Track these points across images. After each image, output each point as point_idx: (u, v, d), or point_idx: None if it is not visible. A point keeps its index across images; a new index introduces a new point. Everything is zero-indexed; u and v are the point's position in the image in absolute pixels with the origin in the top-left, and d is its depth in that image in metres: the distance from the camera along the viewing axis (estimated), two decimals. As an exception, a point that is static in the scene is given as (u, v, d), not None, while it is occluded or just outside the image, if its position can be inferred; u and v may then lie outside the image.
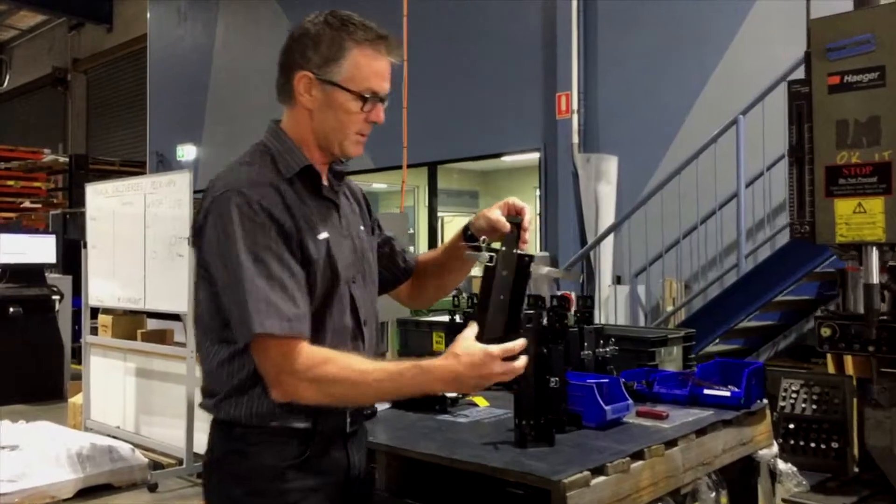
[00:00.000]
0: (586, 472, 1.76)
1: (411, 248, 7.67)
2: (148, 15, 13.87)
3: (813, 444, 2.48)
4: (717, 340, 5.24)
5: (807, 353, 5.39)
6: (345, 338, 1.64)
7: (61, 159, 14.25)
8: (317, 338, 1.56)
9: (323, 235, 1.60)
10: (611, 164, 7.14)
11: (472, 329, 1.53)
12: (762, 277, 5.02)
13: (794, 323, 5.75)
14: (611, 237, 6.82)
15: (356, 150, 1.64)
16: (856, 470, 2.51)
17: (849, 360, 2.90)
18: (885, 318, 2.48)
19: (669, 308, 6.33)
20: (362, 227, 1.78)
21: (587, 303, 2.63)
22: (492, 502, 1.92)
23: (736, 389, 2.41)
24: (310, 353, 1.50)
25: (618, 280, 6.99)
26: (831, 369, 4.57)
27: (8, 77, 20.03)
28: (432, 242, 9.80)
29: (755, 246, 5.77)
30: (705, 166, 5.80)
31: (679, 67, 6.86)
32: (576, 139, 7.32)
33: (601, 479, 1.79)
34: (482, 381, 1.49)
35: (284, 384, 1.50)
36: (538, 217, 7.81)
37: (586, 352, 2.65)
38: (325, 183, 1.68)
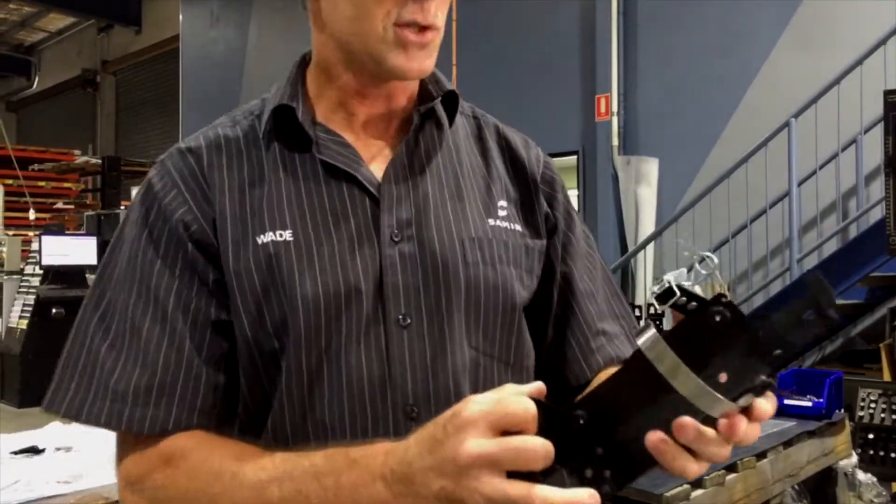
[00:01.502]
0: (686, 486, 1.76)
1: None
2: (181, 17, 13.98)
3: (893, 455, 2.46)
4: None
5: (856, 359, 5.33)
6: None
7: (93, 160, 14.40)
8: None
9: (270, 237, 0.86)
10: (651, 167, 7.10)
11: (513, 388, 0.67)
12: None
13: (841, 327, 5.69)
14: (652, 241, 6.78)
15: (402, 57, 0.86)
16: (936, 481, 2.48)
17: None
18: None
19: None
20: (500, 220, 0.94)
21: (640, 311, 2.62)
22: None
23: (817, 399, 2.39)
24: (151, 454, 0.82)
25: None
26: (886, 375, 4.52)
27: (37, 79, 20.28)
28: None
29: (804, 252, 5.72)
30: (752, 170, 5.75)
31: (722, 69, 6.81)
32: (615, 141, 7.28)
33: (700, 491, 1.79)
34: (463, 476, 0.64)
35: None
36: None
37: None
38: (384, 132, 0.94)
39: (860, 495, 2.46)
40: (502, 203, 0.95)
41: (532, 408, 0.63)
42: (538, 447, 0.62)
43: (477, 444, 0.62)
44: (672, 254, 6.42)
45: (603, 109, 7.33)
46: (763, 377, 0.60)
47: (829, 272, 4.96)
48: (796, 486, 2.23)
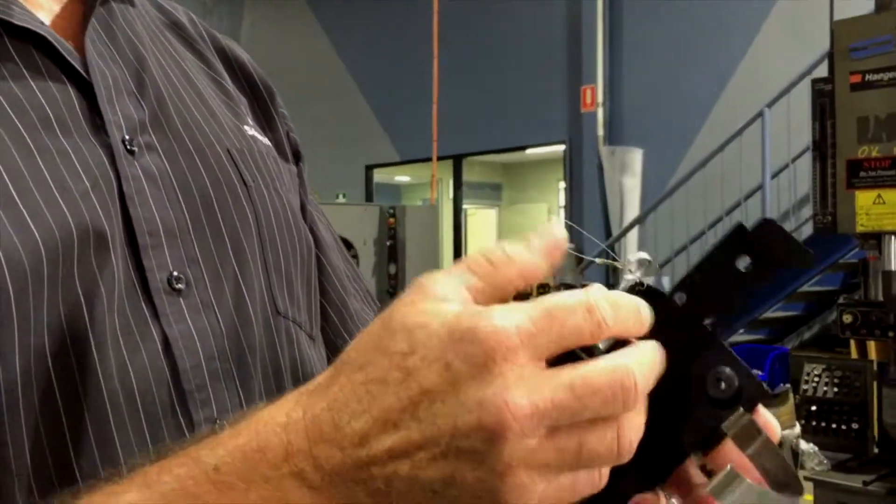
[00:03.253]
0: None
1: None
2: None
3: (834, 426, 2.60)
4: (741, 330, 5.33)
5: (831, 343, 5.47)
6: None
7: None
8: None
9: None
10: (636, 157, 7.23)
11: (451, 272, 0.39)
12: (787, 268, 5.10)
13: (818, 314, 5.83)
14: (635, 229, 6.92)
15: None
16: (875, 451, 2.62)
17: (871, 347, 3.01)
18: (905, 305, 2.60)
19: (694, 298, 6.43)
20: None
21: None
22: None
23: (760, 373, 2.54)
24: None
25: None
26: (854, 357, 4.67)
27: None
28: (457, 238, 9.91)
29: (779, 237, 5.86)
30: (731, 159, 5.89)
31: (705, 60, 6.94)
32: (601, 132, 7.42)
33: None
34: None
35: None
36: (562, 210, 7.93)
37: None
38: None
39: (802, 464, 2.60)
40: (243, 108, 0.70)
41: (613, 303, 0.37)
42: (656, 352, 0.39)
43: (531, 390, 0.34)
44: (653, 243, 6.57)
45: (589, 100, 7.46)
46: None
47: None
48: (738, 454, 2.37)
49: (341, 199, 7.16)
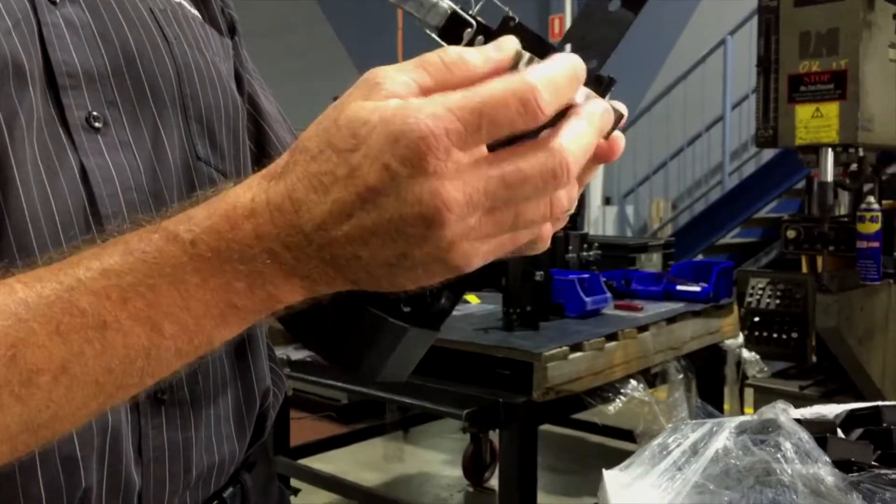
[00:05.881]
0: (565, 348, 1.99)
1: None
2: None
3: (775, 336, 2.73)
4: (699, 255, 5.47)
5: (789, 267, 5.64)
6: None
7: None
8: None
9: None
10: (602, 87, 7.24)
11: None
12: (744, 194, 5.23)
13: (775, 239, 5.98)
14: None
15: None
16: (814, 359, 2.76)
17: (820, 263, 3.14)
18: (845, 219, 2.71)
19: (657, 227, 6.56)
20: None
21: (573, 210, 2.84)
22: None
23: (706, 285, 2.64)
24: None
25: (607, 201, 7.20)
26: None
27: None
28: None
29: (739, 163, 5.96)
30: (693, 88, 5.93)
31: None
32: (568, 62, 7.40)
33: (578, 354, 2.03)
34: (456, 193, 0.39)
35: None
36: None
37: (571, 254, 2.88)
38: None
39: (745, 371, 2.74)
40: None
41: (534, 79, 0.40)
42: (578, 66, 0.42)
43: (464, 183, 0.39)
44: (616, 172, 6.64)
45: (557, 30, 7.42)
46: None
47: (760, 184, 5.21)
48: (682, 361, 2.49)
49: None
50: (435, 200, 0.38)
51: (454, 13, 0.50)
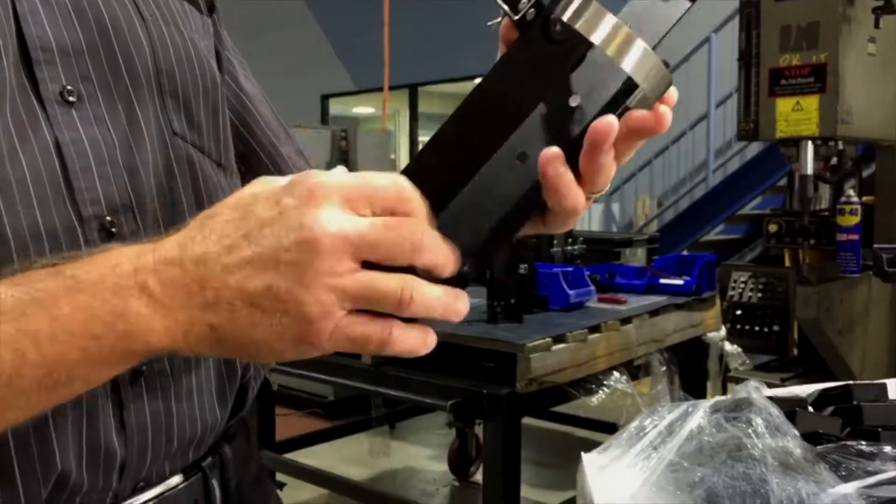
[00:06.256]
0: (548, 339, 2.01)
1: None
2: None
3: (757, 329, 2.75)
4: (684, 251, 5.50)
5: (773, 263, 5.69)
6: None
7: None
8: None
9: None
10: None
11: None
12: (728, 191, 5.26)
13: (759, 236, 6.03)
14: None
15: None
16: (795, 352, 2.79)
17: (801, 256, 3.16)
18: (826, 213, 2.74)
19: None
20: None
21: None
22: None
23: (689, 279, 2.66)
24: None
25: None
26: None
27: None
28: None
29: (724, 160, 6.00)
30: (678, 86, 5.95)
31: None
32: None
33: (561, 345, 2.04)
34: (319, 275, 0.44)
35: None
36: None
37: (556, 248, 2.90)
38: None
39: (727, 364, 2.76)
40: None
41: (409, 186, 0.46)
42: (426, 232, 0.45)
43: (340, 219, 0.44)
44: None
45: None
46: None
47: (744, 181, 5.25)
48: (664, 353, 2.51)
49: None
50: (314, 228, 0.43)
51: None
